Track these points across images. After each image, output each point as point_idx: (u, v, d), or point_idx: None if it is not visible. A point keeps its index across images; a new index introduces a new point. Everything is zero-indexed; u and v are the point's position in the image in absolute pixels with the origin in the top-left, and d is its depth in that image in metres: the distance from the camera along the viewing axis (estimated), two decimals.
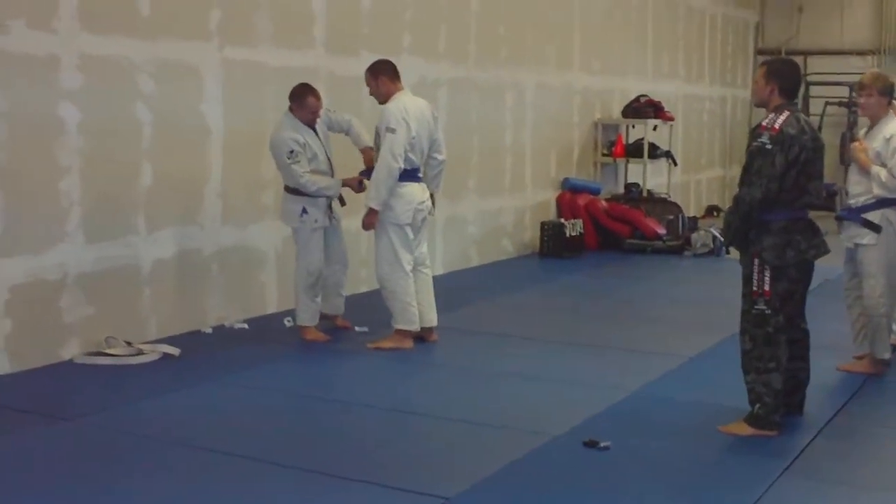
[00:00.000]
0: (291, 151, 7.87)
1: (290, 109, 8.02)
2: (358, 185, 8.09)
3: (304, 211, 8.01)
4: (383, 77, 7.90)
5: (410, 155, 7.76)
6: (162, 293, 8.02)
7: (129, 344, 7.53)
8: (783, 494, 5.17)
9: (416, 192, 7.88)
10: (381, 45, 9.88)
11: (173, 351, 7.54)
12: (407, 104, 7.80)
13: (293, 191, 8.04)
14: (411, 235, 7.91)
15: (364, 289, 9.85)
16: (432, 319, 8.15)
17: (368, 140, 8.22)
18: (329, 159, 8.16)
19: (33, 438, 5.76)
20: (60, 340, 7.29)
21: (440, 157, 8.14)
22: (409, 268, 7.91)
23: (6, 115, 6.83)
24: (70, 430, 5.90)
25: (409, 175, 7.81)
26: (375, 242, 7.97)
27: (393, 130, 7.65)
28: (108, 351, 7.40)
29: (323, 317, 8.33)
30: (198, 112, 8.25)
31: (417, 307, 7.99)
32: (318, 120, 8.11)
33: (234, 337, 8.24)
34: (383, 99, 7.90)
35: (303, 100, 7.98)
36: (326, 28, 9.42)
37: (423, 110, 7.93)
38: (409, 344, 7.94)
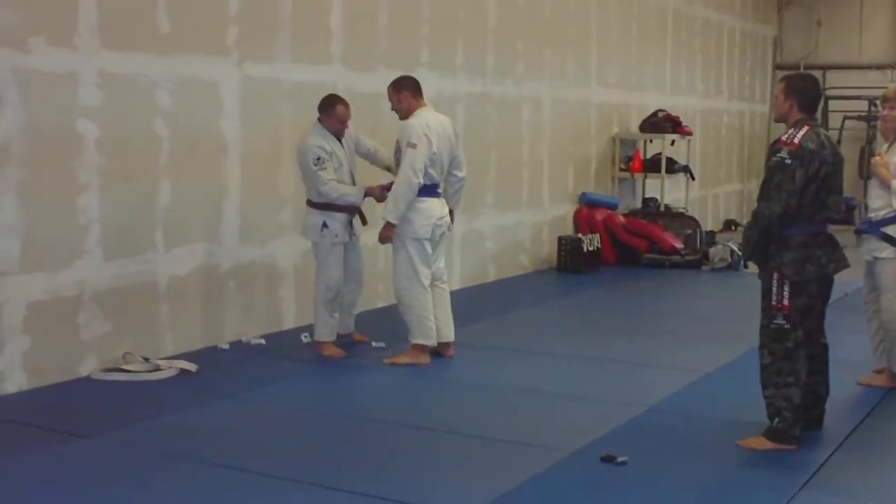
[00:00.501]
0: (318, 158, 7.89)
1: (319, 120, 8.05)
2: (380, 194, 8.07)
3: (325, 225, 8.02)
4: (406, 92, 7.92)
5: (431, 170, 7.77)
6: (179, 309, 8.03)
7: (146, 360, 7.55)
8: None
9: (435, 207, 7.88)
10: (399, 61, 9.90)
11: (190, 367, 7.55)
12: (429, 120, 7.82)
13: (315, 205, 8.05)
14: (430, 250, 7.91)
15: (381, 304, 9.86)
16: (449, 335, 8.14)
17: (389, 159, 8.26)
18: (352, 174, 8.17)
19: (50, 455, 5.76)
20: (78, 357, 7.31)
21: (460, 175, 8.15)
22: (427, 282, 7.91)
23: (25, 132, 6.86)
24: (87, 447, 5.90)
25: (428, 190, 7.81)
26: (394, 256, 7.97)
27: (414, 146, 7.66)
28: (125, 367, 7.41)
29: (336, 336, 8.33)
30: (216, 128, 8.28)
31: (435, 322, 7.98)
32: (347, 132, 8.14)
33: (251, 353, 8.24)
34: (405, 115, 7.91)
35: (332, 109, 8.01)
36: (344, 44, 9.44)
37: (445, 126, 7.94)
38: (425, 359, 7.93)
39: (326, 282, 8.07)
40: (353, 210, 8.16)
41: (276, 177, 8.82)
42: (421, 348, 7.94)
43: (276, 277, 8.96)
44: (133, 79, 7.57)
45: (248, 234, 8.61)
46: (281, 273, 9.00)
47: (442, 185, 8.02)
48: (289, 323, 9.04)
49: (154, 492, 5.25)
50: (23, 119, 6.84)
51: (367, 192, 8.11)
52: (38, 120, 6.94)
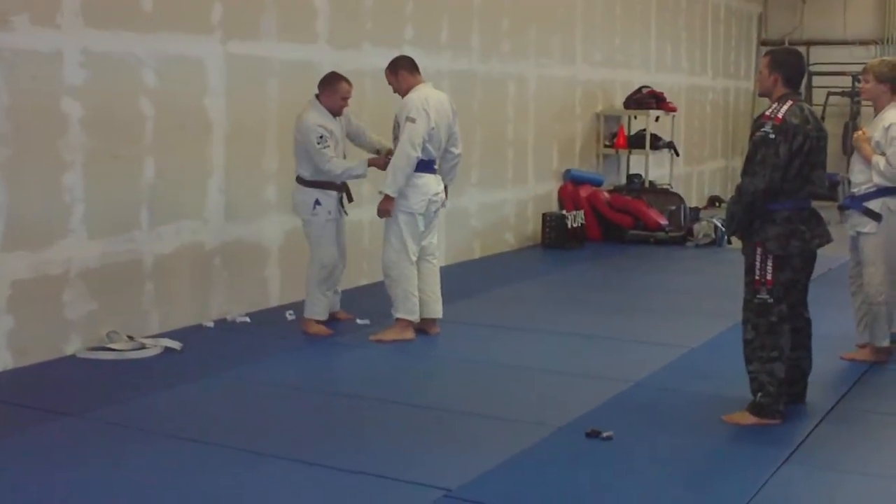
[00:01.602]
0: (321, 136, 7.89)
1: (317, 97, 8.06)
2: (384, 164, 8.08)
3: (318, 202, 8.03)
4: (402, 71, 7.93)
5: (428, 146, 7.78)
6: (164, 288, 8.03)
7: (131, 338, 7.55)
8: (786, 482, 5.18)
9: (430, 183, 7.91)
10: (384, 39, 9.89)
11: (175, 345, 7.55)
12: (428, 95, 7.85)
13: (307, 182, 8.06)
14: (422, 226, 7.93)
15: (365, 281, 9.86)
16: (437, 311, 8.16)
17: (379, 143, 8.31)
18: (344, 152, 8.21)
19: (36, 433, 5.76)
20: (63, 335, 7.30)
21: (456, 151, 8.16)
22: (414, 258, 7.93)
23: (10, 111, 6.83)
24: (73, 425, 5.91)
25: (425, 166, 7.83)
26: (385, 229, 7.98)
27: (413, 120, 7.67)
28: (110, 345, 7.41)
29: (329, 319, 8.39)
30: (201, 106, 8.26)
31: (423, 297, 8.01)
32: (345, 110, 8.16)
33: (237, 331, 8.25)
34: (404, 93, 7.93)
35: (335, 85, 8.04)
36: (329, 22, 9.42)
37: (443, 103, 7.97)
38: (410, 335, 7.95)
39: (322, 259, 8.09)
40: (342, 188, 8.17)
41: (261, 155, 8.81)
42: (405, 323, 7.95)
43: (262, 255, 8.96)
44: (117, 57, 7.54)
45: (233, 213, 8.60)
46: (266, 251, 8.99)
47: (438, 162, 8.02)
48: (274, 301, 9.04)
49: (138, 469, 5.26)
50: (7, 98, 6.82)
51: (371, 163, 8.12)
52: (23, 99, 6.91)
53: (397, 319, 7.97)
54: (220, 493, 4.99)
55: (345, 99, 8.07)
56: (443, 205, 8.14)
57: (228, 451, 5.48)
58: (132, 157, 7.73)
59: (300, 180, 8.10)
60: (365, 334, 8.07)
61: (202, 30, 8.21)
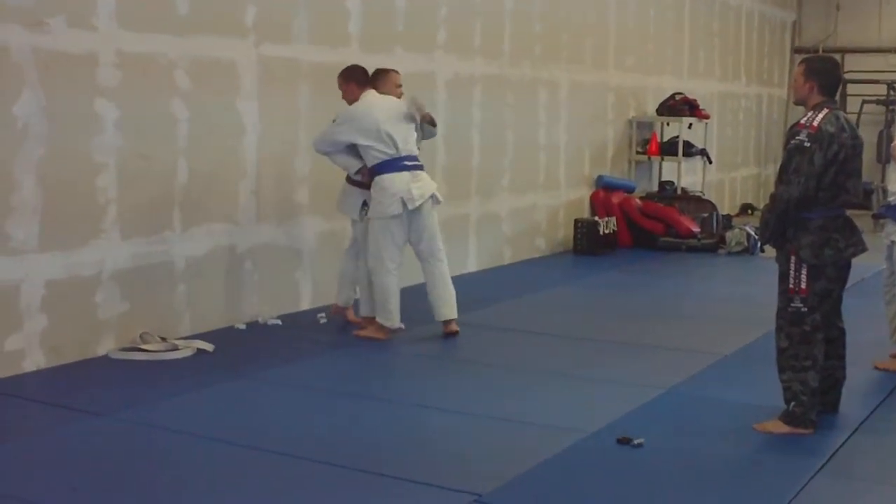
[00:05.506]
0: (334, 120, 8.04)
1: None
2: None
3: (365, 203, 8.06)
4: (353, 83, 8.08)
5: (379, 145, 7.80)
6: (196, 289, 8.05)
7: (163, 339, 7.57)
8: (818, 493, 5.14)
9: (396, 181, 7.84)
10: (416, 43, 9.89)
11: (207, 347, 7.57)
12: (371, 101, 7.97)
13: (356, 183, 8.12)
14: (398, 230, 7.91)
15: None
16: (447, 313, 8.12)
17: None
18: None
19: (68, 433, 5.79)
20: (96, 336, 7.33)
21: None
22: (391, 266, 7.92)
23: (45, 112, 6.87)
24: (104, 425, 5.93)
25: (388, 166, 7.83)
26: (367, 235, 8.05)
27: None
28: (143, 346, 7.43)
29: (336, 310, 8.49)
30: (234, 109, 8.28)
31: (432, 301, 8.08)
32: None
33: (268, 333, 8.26)
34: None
35: (384, 75, 8.26)
36: (361, 25, 9.43)
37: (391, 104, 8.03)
38: (383, 335, 8.00)
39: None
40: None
41: (293, 157, 8.82)
42: (380, 325, 8.03)
43: (293, 258, 8.97)
44: (151, 59, 7.58)
45: (264, 215, 8.62)
46: (297, 253, 9.00)
47: (406, 157, 7.93)
48: (305, 303, 9.05)
49: (169, 470, 5.28)
50: (42, 99, 6.85)
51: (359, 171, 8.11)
52: (57, 100, 6.95)
53: (377, 320, 8.05)
54: (249, 496, 4.99)
55: (398, 86, 8.23)
56: (436, 201, 8.09)
57: (259, 454, 5.49)
58: (165, 158, 7.76)
59: (348, 180, 8.19)
60: (397, 339, 8.05)
61: (235, 32, 8.23)
